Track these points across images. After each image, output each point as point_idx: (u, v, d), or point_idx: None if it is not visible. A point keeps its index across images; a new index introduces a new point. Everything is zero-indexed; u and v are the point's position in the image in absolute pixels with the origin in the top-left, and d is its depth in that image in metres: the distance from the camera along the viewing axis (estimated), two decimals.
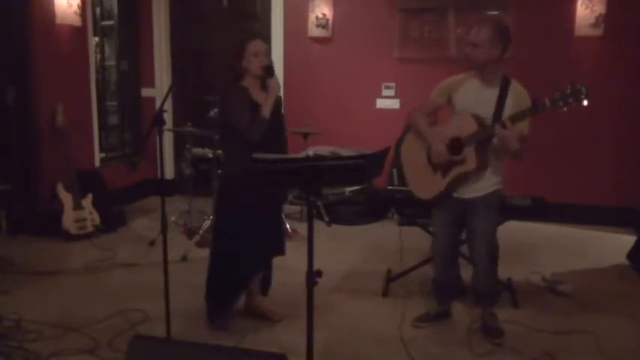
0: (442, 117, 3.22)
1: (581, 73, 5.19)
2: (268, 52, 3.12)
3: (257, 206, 3.06)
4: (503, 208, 3.22)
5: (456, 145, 2.96)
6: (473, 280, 3.22)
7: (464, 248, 3.33)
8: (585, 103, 2.65)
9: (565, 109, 2.69)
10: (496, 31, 2.89)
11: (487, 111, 2.92)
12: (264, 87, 3.07)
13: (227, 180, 3.18)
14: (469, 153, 2.91)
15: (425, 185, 3.14)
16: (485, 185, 3.03)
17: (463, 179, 3.00)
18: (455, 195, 3.07)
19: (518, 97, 2.92)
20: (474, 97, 2.98)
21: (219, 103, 3.13)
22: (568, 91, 2.66)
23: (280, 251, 3.30)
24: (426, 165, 3.11)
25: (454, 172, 2.98)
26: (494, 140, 2.90)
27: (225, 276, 3.12)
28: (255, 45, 3.01)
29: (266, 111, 2.96)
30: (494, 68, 2.95)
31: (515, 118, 2.80)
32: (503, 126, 2.80)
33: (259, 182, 2.58)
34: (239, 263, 3.09)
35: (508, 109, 2.90)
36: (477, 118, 2.91)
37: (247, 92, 3.02)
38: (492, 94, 2.94)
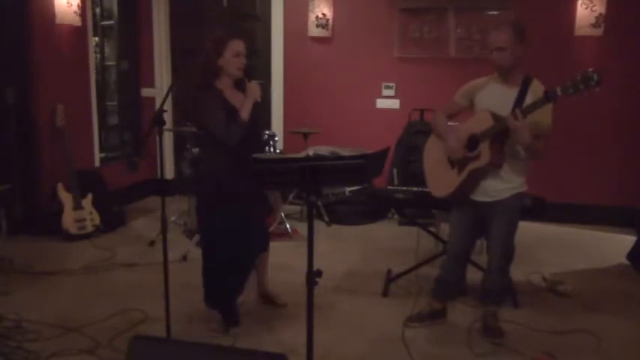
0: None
1: None
2: (248, 54, 3.05)
3: (236, 205, 3.03)
4: None
5: (472, 142, 2.94)
6: (484, 276, 3.22)
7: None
8: (597, 89, 2.58)
9: (576, 95, 2.62)
10: (516, 31, 2.89)
11: (507, 110, 2.86)
12: (237, 88, 3.04)
13: (204, 180, 3.16)
14: (484, 148, 2.89)
15: (441, 183, 3.13)
16: (503, 188, 2.98)
17: (478, 176, 2.97)
18: (473, 198, 3.04)
19: (536, 93, 2.85)
20: (496, 98, 2.96)
21: (190, 102, 3.07)
22: (579, 77, 2.61)
23: (264, 249, 3.36)
24: (445, 163, 3.10)
25: (468, 168, 2.96)
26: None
27: (218, 278, 3.11)
28: (237, 45, 2.95)
29: (245, 114, 2.94)
30: (517, 68, 2.94)
31: (527, 110, 2.76)
32: (515, 117, 2.74)
33: (253, 182, 2.56)
34: (227, 264, 3.07)
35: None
36: (494, 114, 2.88)
37: (221, 94, 2.97)
38: (513, 93, 2.91)
